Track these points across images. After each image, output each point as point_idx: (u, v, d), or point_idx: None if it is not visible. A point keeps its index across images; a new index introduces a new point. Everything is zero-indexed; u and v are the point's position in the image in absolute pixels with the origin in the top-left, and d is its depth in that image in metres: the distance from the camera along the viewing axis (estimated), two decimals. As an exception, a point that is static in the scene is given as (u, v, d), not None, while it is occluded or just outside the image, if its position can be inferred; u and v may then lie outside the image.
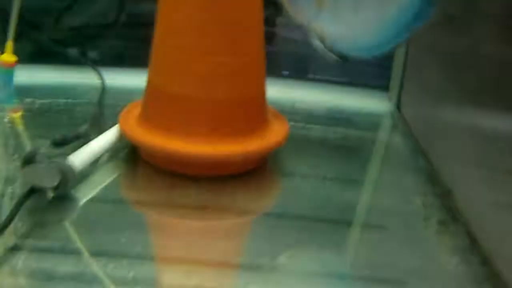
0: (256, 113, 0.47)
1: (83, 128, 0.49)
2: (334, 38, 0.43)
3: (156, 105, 0.46)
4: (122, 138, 0.48)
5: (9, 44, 0.63)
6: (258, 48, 0.46)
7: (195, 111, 0.44)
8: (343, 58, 0.44)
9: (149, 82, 0.47)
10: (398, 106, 0.67)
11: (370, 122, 0.64)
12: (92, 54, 0.73)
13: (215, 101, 0.44)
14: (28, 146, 0.51)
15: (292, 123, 0.57)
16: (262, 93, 0.48)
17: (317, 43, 0.44)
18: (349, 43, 0.44)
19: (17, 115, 0.59)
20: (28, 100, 0.61)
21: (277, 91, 0.66)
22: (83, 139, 0.48)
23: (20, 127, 0.57)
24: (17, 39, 0.63)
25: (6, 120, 0.57)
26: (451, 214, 0.45)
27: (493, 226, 0.40)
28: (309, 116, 0.63)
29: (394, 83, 0.68)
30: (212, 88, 0.44)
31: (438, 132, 0.54)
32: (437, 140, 0.54)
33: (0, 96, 0.63)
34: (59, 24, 0.73)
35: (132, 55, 0.75)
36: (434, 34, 0.53)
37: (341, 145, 0.57)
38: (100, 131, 0.49)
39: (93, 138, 0.47)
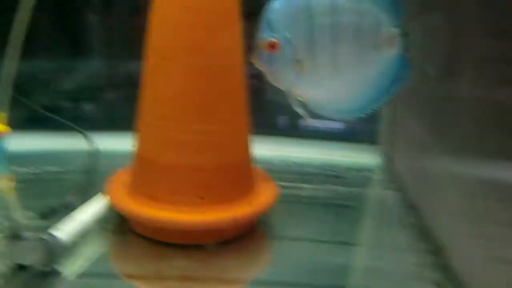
0: (243, 178, 0.47)
1: (71, 198, 0.49)
2: (315, 102, 0.44)
3: (143, 174, 0.46)
4: (110, 207, 0.48)
5: (1, 115, 0.64)
6: (242, 115, 0.47)
7: (181, 179, 0.44)
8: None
9: (136, 150, 0.48)
10: (389, 160, 0.67)
11: (361, 178, 0.64)
12: (84, 118, 0.74)
13: (201, 169, 0.44)
14: (17, 217, 0.51)
15: (282, 182, 0.57)
16: (248, 158, 0.49)
17: (298, 108, 0.44)
18: (331, 106, 0.45)
19: (8, 184, 0.59)
20: (19, 168, 0.61)
21: (268, 149, 0.67)
22: (71, 209, 0.48)
23: (11, 197, 0.56)
24: (8, 106, 0.63)
25: (5, 186, 0.57)
26: (445, 273, 0.44)
27: (487, 284, 0.39)
28: (300, 174, 0.63)
29: (383, 136, 0.68)
30: (198, 156, 0.44)
31: (428, 186, 0.54)
32: (427, 194, 0.54)
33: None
34: (51, 89, 0.74)
35: (124, 117, 0.75)
36: (413, 89, 0.54)
37: (332, 204, 0.56)
38: (89, 200, 0.49)
39: (81, 208, 0.47)
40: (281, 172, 0.63)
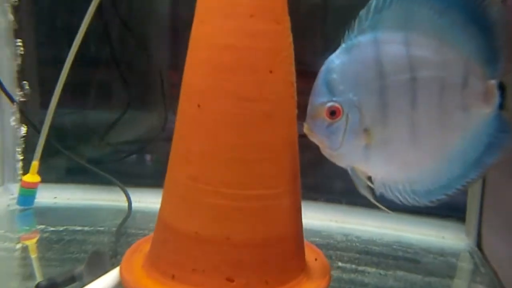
0: (288, 257, 0.39)
1: (78, 270, 0.42)
2: (384, 181, 0.36)
3: (163, 245, 0.39)
4: (121, 283, 0.40)
5: (34, 165, 0.61)
6: (290, 177, 0.39)
7: (207, 254, 0.37)
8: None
9: (159, 217, 0.41)
10: (478, 244, 0.58)
11: (442, 265, 0.53)
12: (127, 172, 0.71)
13: (233, 243, 0.36)
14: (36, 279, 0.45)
15: (341, 263, 0.52)
16: (297, 231, 0.40)
17: (364, 191, 0.37)
18: (403, 186, 0.36)
19: (31, 242, 0.55)
20: (42, 226, 0.57)
21: (324, 219, 0.62)
22: (79, 283, 0.41)
23: (32, 256, 0.52)
24: (51, 157, 0.63)
25: (18, 247, 0.53)
26: None
27: None
28: (363, 254, 0.55)
29: (471, 213, 0.59)
30: (229, 227, 0.36)
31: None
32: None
33: (18, 219, 0.60)
34: (100, 142, 0.74)
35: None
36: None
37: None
38: (102, 271, 0.41)
39: (88, 282, 0.40)
40: (341, 249, 0.55)
